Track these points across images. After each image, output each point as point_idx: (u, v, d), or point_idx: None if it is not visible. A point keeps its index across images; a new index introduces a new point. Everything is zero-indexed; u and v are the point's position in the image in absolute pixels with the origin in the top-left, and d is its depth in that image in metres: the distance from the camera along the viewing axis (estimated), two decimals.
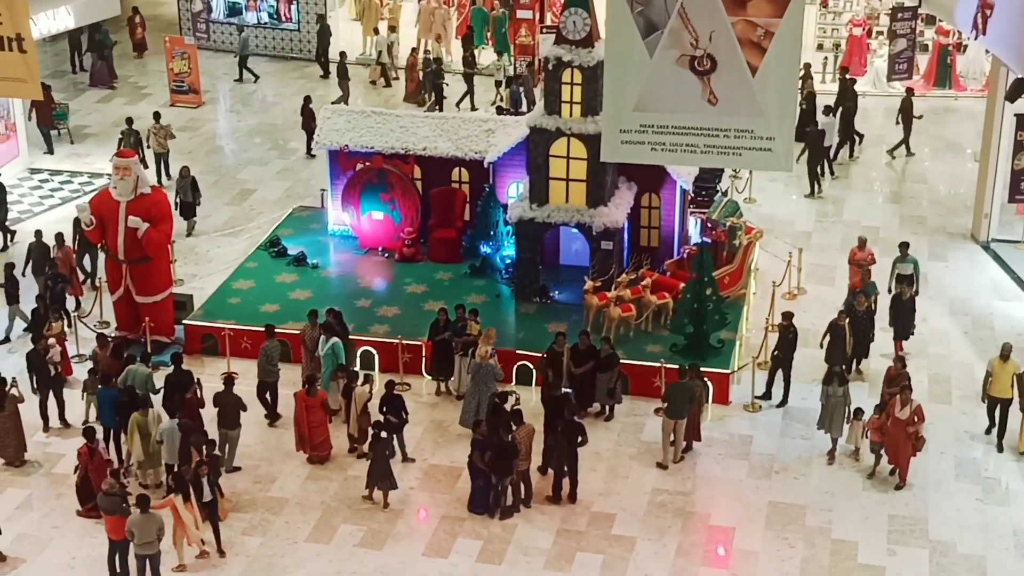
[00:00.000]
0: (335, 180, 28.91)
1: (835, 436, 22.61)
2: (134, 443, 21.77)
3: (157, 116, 33.38)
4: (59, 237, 26.97)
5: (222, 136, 36.35)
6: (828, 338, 24.41)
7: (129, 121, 33.61)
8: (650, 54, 20.59)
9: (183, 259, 28.52)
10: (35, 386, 23.67)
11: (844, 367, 23.57)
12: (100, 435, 21.91)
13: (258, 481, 22.28)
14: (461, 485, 21.99)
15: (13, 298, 26.06)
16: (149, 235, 24.94)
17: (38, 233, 27.21)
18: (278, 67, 40.55)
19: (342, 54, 37.27)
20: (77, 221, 26.67)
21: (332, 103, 33.64)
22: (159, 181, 31.99)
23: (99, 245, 25.95)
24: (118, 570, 19.97)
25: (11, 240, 29.27)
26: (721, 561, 20.72)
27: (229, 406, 22.35)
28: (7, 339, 25.96)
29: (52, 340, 24.00)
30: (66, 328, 24.97)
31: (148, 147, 32.98)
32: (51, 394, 23.44)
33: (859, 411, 22.39)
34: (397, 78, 38.40)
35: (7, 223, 29.83)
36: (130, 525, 19.46)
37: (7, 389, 22.35)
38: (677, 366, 23.39)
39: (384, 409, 22.51)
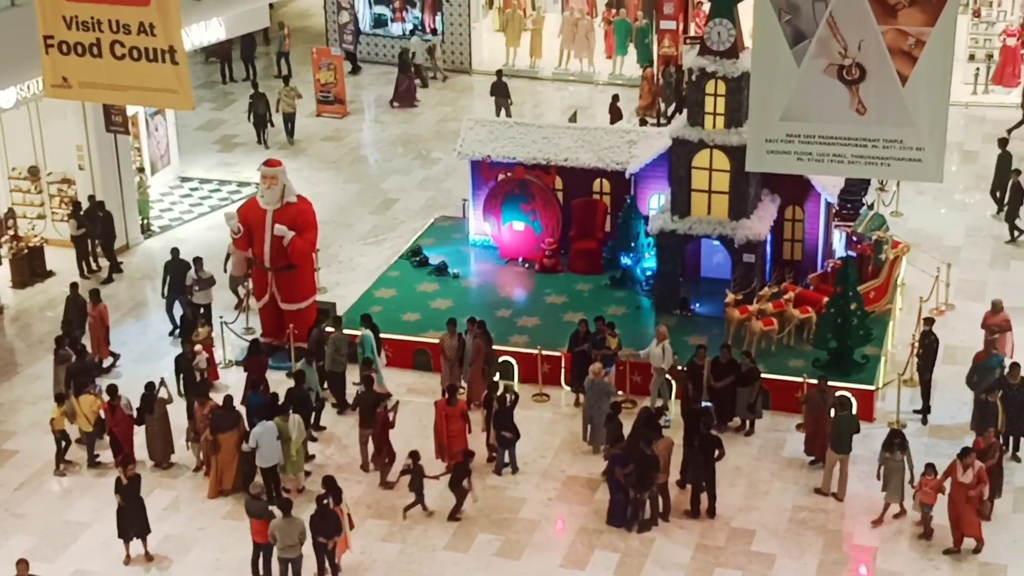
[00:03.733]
0: (477, 190, 29.05)
1: (888, 501, 21.30)
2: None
3: (286, 80, 37.32)
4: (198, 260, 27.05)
5: (366, 146, 36.77)
6: (977, 408, 22.69)
7: (255, 85, 35.80)
8: (797, 63, 20.31)
9: (327, 267, 28.89)
10: (182, 390, 24.19)
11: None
12: (121, 391, 22.75)
13: (397, 489, 22.42)
14: (599, 497, 21.89)
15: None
16: (294, 243, 25.31)
17: (175, 251, 27.26)
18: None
19: (499, 72, 37.35)
20: (168, 267, 26.86)
21: (570, 119, 33.68)
22: (289, 140, 35.64)
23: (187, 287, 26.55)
24: (261, 572, 20.28)
25: (120, 270, 29.62)
26: None
27: (369, 405, 22.63)
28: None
29: (199, 346, 24.47)
30: (212, 334, 25.44)
31: (277, 110, 35.95)
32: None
33: (931, 466, 20.81)
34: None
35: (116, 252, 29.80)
36: (273, 528, 19.74)
37: (156, 392, 22.85)
38: (816, 380, 22.98)
39: (497, 424, 22.53)
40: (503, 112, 35.96)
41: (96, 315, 25.40)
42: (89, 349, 25.04)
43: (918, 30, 19.86)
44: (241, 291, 27.23)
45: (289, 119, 36.18)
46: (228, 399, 22.52)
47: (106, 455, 23.02)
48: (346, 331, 24.71)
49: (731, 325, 25.05)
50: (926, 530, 20.97)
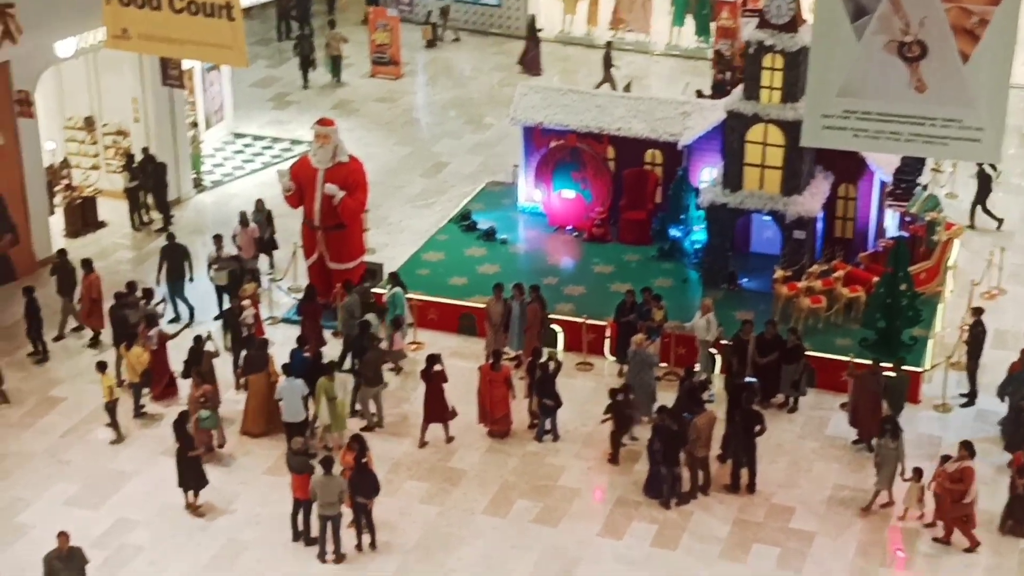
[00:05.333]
0: (528, 156, 28.98)
1: (878, 488, 21.07)
2: (320, 406, 22.19)
3: (332, 24, 38.01)
4: (243, 216, 26.96)
5: (419, 108, 36.76)
6: (1011, 419, 22.30)
7: (302, 28, 36.63)
8: (857, 38, 20.07)
9: (376, 228, 28.93)
10: (229, 345, 24.35)
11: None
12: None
13: (438, 451, 22.51)
14: (639, 468, 21.87)
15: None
16: (344, 203, 25.36)
17: (170, 236, 26.62)
18: (477, 42, 40.79)
19: (608, 44, 37.03)
20: (164, 252, 25.98)
21: (625, 89, 33.54)
22: (335, 79, 36.77)
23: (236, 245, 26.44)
24: (300, 528, 20.42)
25: (171, 223, 29.73)
26: (901, 563, 20.20)
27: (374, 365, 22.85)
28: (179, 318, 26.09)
29: (247, 301, 24.60)
30: (259, 290, 25.55)
31: (326, 53, 37.03)
32: (243, 353, 24.02)
33: (918, 471, 20.67)
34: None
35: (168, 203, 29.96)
36: (314, 485, 19.86)
37: (203, 345, 23.00)
38: (866, 361, 22.82)
39: (540, 391, 22.53)
40: (608, 84, 35.55)
41: (87, 284, 25.05)
42: (79, 318, 25.17)
43: (982, 8, 19.57)
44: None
45: (335, 62, 37.24)
46: (263, 342, 22.97)
47: (152, 407, 23.22)
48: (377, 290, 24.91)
49: (779, 301, 24.91)
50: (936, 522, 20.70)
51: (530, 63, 37.99)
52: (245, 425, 22.83)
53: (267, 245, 27.49)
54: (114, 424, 22.66)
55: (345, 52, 37.69)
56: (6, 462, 22.11)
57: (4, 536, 20.43)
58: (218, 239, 26.04)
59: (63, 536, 18.15)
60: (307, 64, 37.27)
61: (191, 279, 25.93)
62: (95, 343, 25.24)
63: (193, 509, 20.99)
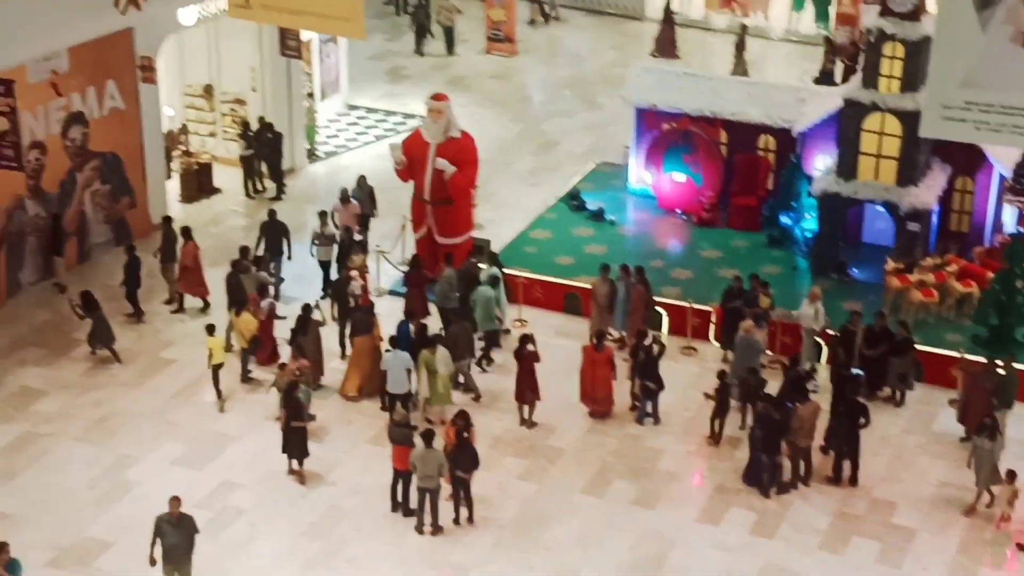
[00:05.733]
0: (640, 138, 28.86)
1: (979, 489, 20.64)
2: (422, 380, 22.35)
3: None
4: (344, 192, 26.99)
5: (532, 86, 36.75)
6: None
7: None
8: (983, 29, 19.70)
9: (485, 204, 29.01)
10: (335, 315, 24.62)
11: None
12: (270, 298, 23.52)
13: (538, 429, 22.57)
14: (740, 455, 21.75)
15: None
16: (455, 178, 25.47)
17: (271, 212, 26.40)
18: (594, 22, 40.65)
19: (743, 26, 36.75)
20: (264, 228, 26.02)
21: (731, 73, 33.29)
22: (448, 51, 37.31)
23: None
24: (400, 499, 20.62)
25: (284, 192, 30.07)
26: (1006, 564, 19.86)
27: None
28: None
29: (354, 272, 24.82)
30: (367, 262, 25.76)
31: (436, 22, 37.66)
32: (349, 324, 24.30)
33: (1012, 473, 20.23)
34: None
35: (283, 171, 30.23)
36: (413, 458, 20.03)
37: (311, 314, 23.29)
38: (978, 358, 22.43)
39: (642, 374, 22.45)
40: (735, 69, 35.23)
41: (184, 252, 25.28)
42: (179, 286, 25.45)
43: None
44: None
45: (448, 32, 37.77)
46: (369, 306, 23.45)
47: (258, 372, 23.57)
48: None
49: (889, 293, 24.58)
50: None
51: (665, 47, 37.59)
52: (343, 387, 23.18)
53: (365, 223, 27.14)
54: (216, 387, 23.06)
55: (458, 23, 37.98)
56: (115, 420, 22.60)
57: (111, 492, 20.90)
58: (323, 215, 26.22)
59: (175, 500, 18.36)
60: (422, 32, 38.05)
61: (289, 256, 26.01)
62: (180, 309, 25.54)
63: (296, 476, 21.26)
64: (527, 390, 22.47)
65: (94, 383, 23.50)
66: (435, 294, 24.63)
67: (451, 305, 24.17)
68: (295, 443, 21.12)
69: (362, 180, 27.90)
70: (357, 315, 23.42)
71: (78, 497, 20.77)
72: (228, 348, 23.62)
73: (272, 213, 26.42)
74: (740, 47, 35.49)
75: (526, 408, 22.64)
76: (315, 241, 26.08)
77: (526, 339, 22.51)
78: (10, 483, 21.03)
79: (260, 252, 25.68)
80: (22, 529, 20.02)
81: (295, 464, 21.30)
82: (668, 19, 37.74)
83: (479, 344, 24.04)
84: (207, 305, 25.52)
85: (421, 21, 38.00)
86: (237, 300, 24.01)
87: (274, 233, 26.00)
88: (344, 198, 26.88)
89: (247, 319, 23.35)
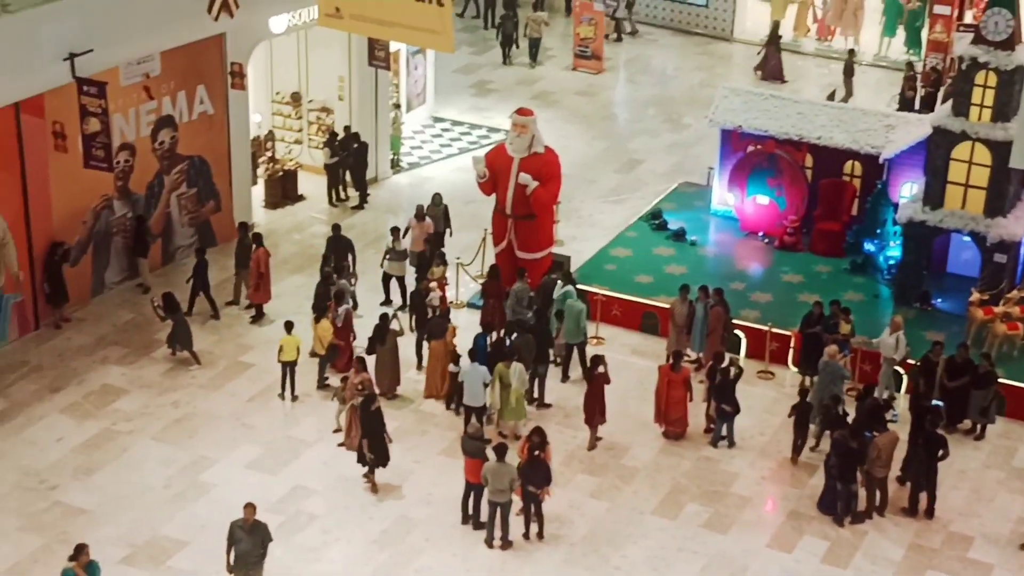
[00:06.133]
0: (724, 159, 28.73)
1: None
2: (495, 393, 22.38)
3: (536, 6, 39.37)
4: (420, 209, 26.97)
5: (618, 104, 36.71)
6: None
7: (507, 6, 37.65)
8: None
9: (566, 220, 29.02)
10: (413, 325, 24.72)
11: None
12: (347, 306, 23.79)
13: (611, 448, 22.50)
14: (815, 482, 21.54)
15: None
16: (537, 193, 25.49)
17: (336, 228, 26.41)
18: (681, 41, 40.54)
19: (851, 52, 36.44)
20: (330, 243, 25.91)
21: (828, 97, 33.05)
22: (531, 62, 37.94)
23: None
24: (470, 512, 20.64)
25: (367, 201, 30.22)
26: None
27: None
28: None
29: (433, 284, 24.92)
30: (447, 274, 25.84)
31: (525, 34, 38.15)
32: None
33: None
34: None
35: (366, 182, 30.33)
36: (486, 471, 20.03)
37: (389, 323, 23.41)
38: None
39: (719, 396, 22.30)
40: (845, 95, 34.86)
41: (255, 259, 25.33)
42: (246, 290, 25.65)
43: None
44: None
45: (534, 44, 38.18)
46: (446, 310, 23.92)
47: (334, 379, 23.71)
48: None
49: (973, 325, 24.24)
50: None
51: (772, 71, 36.94)
52: (428, 389, 23.54)
53: (439, 241, 26.85)
54: (285, 381, 23.28)
55: (544, 35, 38.35)
56: (194, 421, 22.85)
57: (187, 492, 21.13)
58: (395, 231, 26.16)
59: (250, 507, 18.48)
60: (508, 42, 38.49)
61: (353, 272, 25.82)
62: (259, 317, 25.69)
63: (370, 484, 21.33)
64: (596, 412, 22.41)
65: (173, 384, 23.78)
66: (507, 306, 24.68)
67: (520, 318, 24.19)
68: (377, 452, 21.11)
69: (437, 197, 27.79)
70: (434, 320, 23.62)
71: (154, 496, 21.03)
72: (312, 353, 23.80)
73: (336, 228, 26.40)
74: (849, 72, 35.18)
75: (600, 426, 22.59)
76: (387, 256, 26.08)
77: (597, 360, 22.47)
78: (88, 479, 21.34)
79: (327, 266, 25.56)
80: (99, 525, 20.31)
81: (370, 471, 21.34)
82: (775, 43, 37.27)
83: (554, 355, 24.14)
84: (260, 313, 25.66)
85: (508, 32, 38.36)
86: (319, 308, 24.18)
87: (339, 248, 25.95)
88: (419, 215, 26.86)
89: (325, 326, 23.52)
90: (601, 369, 22.28)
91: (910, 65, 34.79)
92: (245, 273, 25.87)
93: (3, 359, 24.15)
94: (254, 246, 25.57)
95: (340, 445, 22.06)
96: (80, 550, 17.66)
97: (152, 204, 26.80)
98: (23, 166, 24.06)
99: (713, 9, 40.61)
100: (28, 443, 22.09)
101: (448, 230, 27.50)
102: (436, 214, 27.32)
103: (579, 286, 24.93)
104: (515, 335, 23.34)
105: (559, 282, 24.64)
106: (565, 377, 24.09)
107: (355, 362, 22.49)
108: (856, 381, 23.58)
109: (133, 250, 26.40)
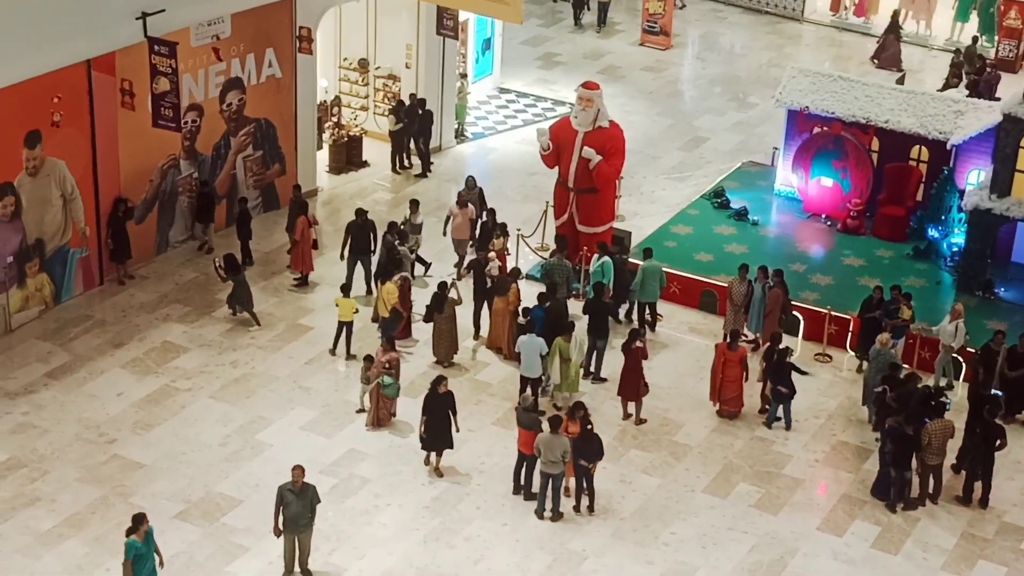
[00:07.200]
0: (789, 140, 28.56)
1: None
2: (554, 366, 22.43)
3: None
4: (461, 196, 26.58)
5: (684, 81, 36.56)
6: None
7: None
8: None
9: (628, 196, 28.98)
10: (472, 294, 24.81)
11: None
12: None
13: (665, 424, 22.52)
14: (867, 467, 21.46)
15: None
16: (600, 168, 25.47)
17: (360, 212, 25.57)
18: (751, 20, 40.26)
19: (974, 37, 35.82)
20: (350, 227, 25.36)
21: (898, 81, 32.73)
22: (598, 24, 38.23)
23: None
24: (522, 482, 20.74)
25: (430, 170, 30.33)
26: None
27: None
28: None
29: (493, 254, 24.98)
30: (507, 245, 25.89)
31: None
32: (484, 304, 24.46)
33: None
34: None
35: (430, 150, 30.42)
36: (539, 442, 20.11)
37: (447, 292, 23.52)
38: None
39: (775, 377, 22.23)
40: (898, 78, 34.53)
41: (297, 226, 25.36)
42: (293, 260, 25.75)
43: None
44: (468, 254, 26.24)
45: (603, 8, 38.80)
46: (515, 271, 24.29)
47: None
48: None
49: None
50: None
51: (890, 59, 36.38)
52: (490, 340, 24.07)
53: (484, 232, 26.19)
54: (339, 341, 23.50)
55: (612, 8, 38.83)
56: (252, 381, 23.09)
57: (242, 451, 21.38)
58: (414, 204, 26.23)
59: (299, 470, 18.60)
60: (579, 5, 39.05)
61: (374, 251, 25.46)
62: (302, 284, 25.75)
63: (435, 471, 21.14)
64: (633, 385, 22.39)
65: (233, 344, 24.03)
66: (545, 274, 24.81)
67: (559, 288, 24.29)
68: (438, 436, 20.98)
69: (471, 180, 27.26)
70: (500, 278, 23.91)
71: (210, 453, 21.29)
72: (373, 319, 24.02)
73: (361, 212, 25.54)
74: (971, 63, 34.23)
75: (631, 404, 22.57)
76: (402, 227, 25.71)
77: (635, 334, 22.45)
78: (147, 434, 21.64)
79: (345, 252, 25.43)
80: (155, 479, 20.61)
81: (433, 457, 21.22)
82: (894, 31, 36.43)
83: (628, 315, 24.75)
84: (305, 280, 25.75)
85: None
86: (385, 272, 24.23)
87: (362, 231, 25.45)
88: (461, 202, 26.29)
89: (390, 288, 23.63)
90: (638, 344, 22.28)
91: (958, 52, 34.37)
92: (292, 236, 26.00)
93: (67, 313, 24.52)
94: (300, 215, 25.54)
95: (366, 426, 22.06)
96: (140, 520, 17.66)
97: (218, 165, 27.04)
98: (93, 123, 24.34)
99: None
100: (89, 396, 22.43)
101: (483, 213, 26.84)
102: (471, 198, 26.77)
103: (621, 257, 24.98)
104: (548, 303, 23.34)
105: (595, 255, 24.66)
106: (642, 329, 24.01)
107: (383, 343, 22.42)
108: (915, 368, 23.44)
109: (198, 217, 26.60)
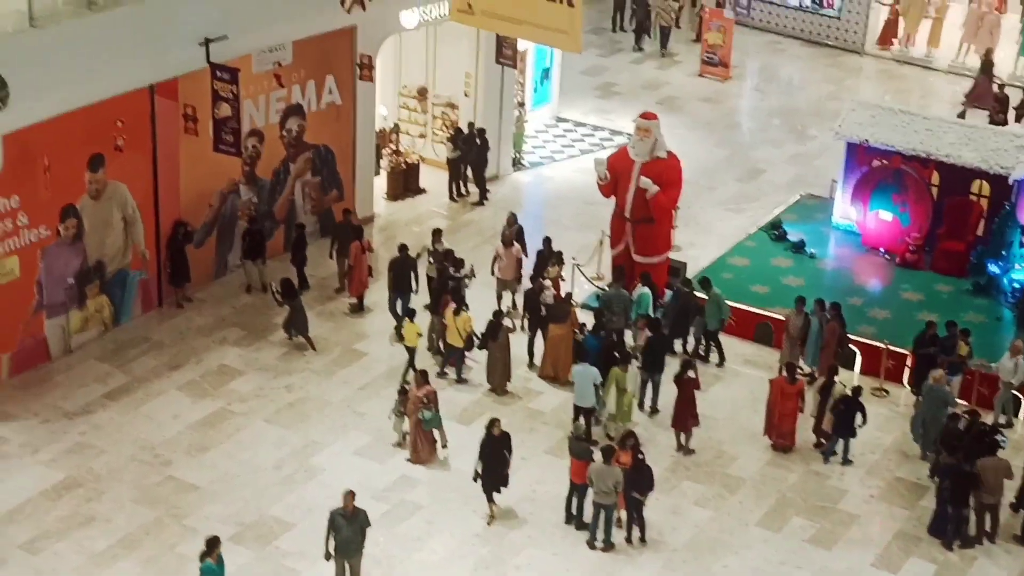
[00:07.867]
0: (848, 173, 28.42)
1: None
2: (609, 395, 22.37)
3: None
4: (505, 236, 26.09)
5: (743, 113, 36.49)
6: None
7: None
8: None
9: (685, 226, 28.92)
10: (525, 323, 24.80)
11: None
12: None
13: (719, 457, 22.39)
14: (924, 504, 21.23)
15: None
16: (657, 198, 25.44)
17: (403, 248, 25.39)
18: (811, 52, 40.12)
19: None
20: (393, 264, 25.10)
21: (959, 116, 32.45)
22: (661, 48, 38.88)
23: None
24: (574, 512, 20.67)
25: (487, 197, 30.36)
26: None
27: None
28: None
29: (548, 282, 24.98)
30: (562, 274, 25.87)
31: (654, 23, 39.18)
32: (539, 333, 24.44)
33: None
34: None
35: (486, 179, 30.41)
36: (591, 472, 20.06)
37: (502, 320, 23.53)
38: None
39: (839, 410, 22.03)
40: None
41: (354, 251, 25.43)
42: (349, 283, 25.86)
43: None
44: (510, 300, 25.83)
45: (664, 33, 39.27)
46: (568, 295, 24.40)
47: (450, 371, 23.89)
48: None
49: None
50: None
51: (978, 96, 35.47)
52: (543, 369, 24.04)
53: (540, 260, 25.63)
54: (411, 367, 23.45)
55: (676, 21, 39.41)
56: (307, 405, 23.20)
57: (296, 475, 21.46)
58: (437, 233, 25.90)
59: (350, 495, 18.67)
60: (641, 30, 39.48)
61: (415, 291, 25.26)
62: (358, 309, 25.85)
63: (491, 517, 20.83)
64: (686, 416, 22.30)
65: (288, 368, 24.17)
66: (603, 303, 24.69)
67: (616, 326, 24.13)
68: (495, 475, 20.65)
69: (512, 218, 26.64)
70: (554, 305, 23.93)
71: (264, 477, 21.40)
72: (429, 348, 24.10)
73: (403, 248, 25.25)
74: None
75: (683, 435, 22.47)
76: (426, 255, 25.67)
77: (687, 364, 22.35)
78: (202, 456, 21.78)
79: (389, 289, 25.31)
80: (209, 502, 20.72)
81: (491, 498, 20.77)
82: (987, 70, 35.62)
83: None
84: (360, 306, 25.85)
85: (640, 19, 39.40)
86: (458, 300, 24.01)
87: (403, 269, 25.15)
88: (506, 241, 25.72)
89: (466, 317, 23.64)
90: (691, 374, 22.20)
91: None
92: (343, 261, 26.15)
93: (126, 334, 24.76)
94: (355, 239, 25.61)
95: (408, 460, 21.94)
96: (214, 543, 17.87)
97: (278, 191, 27.26)
98: (155, 147, 24.63)
99: (845, 21, 40.13)
100: (145, 418, 22.62)
101: (524, 253, 26.16)
102: (511, 235, 26.23)
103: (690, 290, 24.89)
104: (601, 332, 23.42)
105: (638, 285, 24.71)
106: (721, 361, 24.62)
107: (417, 375, 22.20)
108: (972, 404, 23.19)
109: (247, 253, 26.27)
